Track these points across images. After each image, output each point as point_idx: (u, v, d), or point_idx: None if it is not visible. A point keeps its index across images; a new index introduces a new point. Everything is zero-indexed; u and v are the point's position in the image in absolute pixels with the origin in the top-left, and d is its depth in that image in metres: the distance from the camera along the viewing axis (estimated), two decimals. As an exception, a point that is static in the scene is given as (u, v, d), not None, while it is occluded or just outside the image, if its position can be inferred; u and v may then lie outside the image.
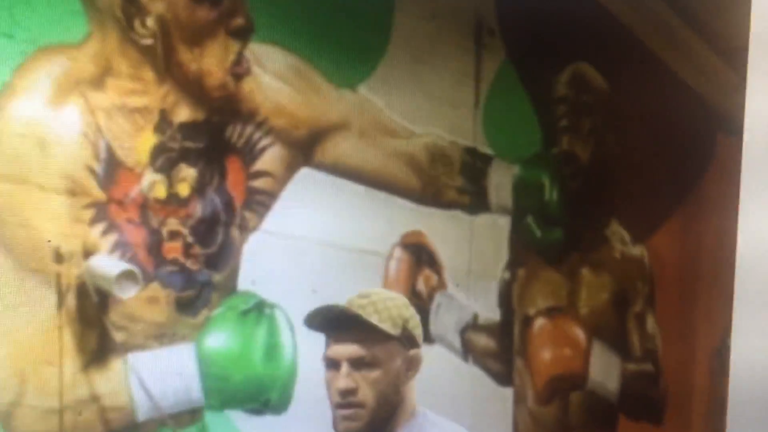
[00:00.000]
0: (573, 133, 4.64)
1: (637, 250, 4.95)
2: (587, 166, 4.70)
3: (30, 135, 3.00)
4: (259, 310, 3.51)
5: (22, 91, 2.98)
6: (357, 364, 1.89)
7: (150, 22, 3.17)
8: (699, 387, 5.20)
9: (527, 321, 4.48)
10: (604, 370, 4.75)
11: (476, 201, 4.25)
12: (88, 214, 3.13)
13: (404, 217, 3.99)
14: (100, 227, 3.16)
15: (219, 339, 3.45)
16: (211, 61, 3.33)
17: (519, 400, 4.46)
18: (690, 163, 5.11)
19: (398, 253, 3.97)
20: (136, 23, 3.15)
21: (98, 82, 3.11)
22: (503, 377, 4.40)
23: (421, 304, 3.95)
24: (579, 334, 4.65)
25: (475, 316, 4.25)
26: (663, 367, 5.06)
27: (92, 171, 3.13)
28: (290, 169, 3.62)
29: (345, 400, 1.90)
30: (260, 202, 3.54)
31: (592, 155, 4.72)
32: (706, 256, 5.14)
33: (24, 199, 3.00)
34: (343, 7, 3.72)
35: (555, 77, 4.56)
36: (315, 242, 3.70)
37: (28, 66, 2.97)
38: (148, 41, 3.19)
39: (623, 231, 4.89)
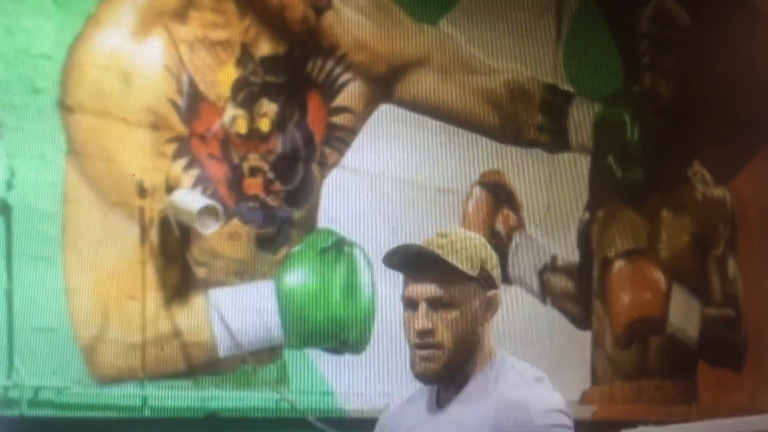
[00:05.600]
0: (655, 70, 4.58)
1: (719, 192, 4.87)
2: (670, 105, 4.64)
3: (113, 67, 3.03)
4: (338, 248, 3.52)
5: (106, 23, 3.00)
6: (435, 304, 1.84)
7: (233, -48, 3.20)
8: (780, 333, 5.12)
9: (606, 263, 4.44)
10: (684, 315, 4.69)
11: (556, 139, 4.22)
12: (171, 148, 3.17)
13: (483, 155, 3.98)
14: (182, 162, 3.19)
15: (298, 277, 3.47)
16: None
17: (597, 343, 4.42)
18: (774, 102, 5.01)
19: (477, 191, 3.96)
20: (220, -46, 3.18)
21: (181, 14, 3.13)
22: (582, 320, 4.37)
23: (500, 244, 3.92)
24: (659, 277, 4.58)
25: (554, 258, 4.23)
26: (744, 312, 4.97)
27: (175, 104, 3.15)
28: (370, 105, 3.62)
29: (423, 340, 1.85)
30: (340, 138, 3.55)
31: (674, 93, 4.65)
32: (790, 197, 5.05)
33: (107, 132, 3.04)
34: (425, -62, 3.71)
35: (638, 12, 4.51)
36: (394, 180, 3.71)
37: None
38: (231, -28, 3.21)
39: (705, 171, 4.82)
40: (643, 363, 4.57)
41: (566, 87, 4.25)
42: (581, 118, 4.30)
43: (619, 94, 4.50)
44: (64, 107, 2.95)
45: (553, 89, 4.20)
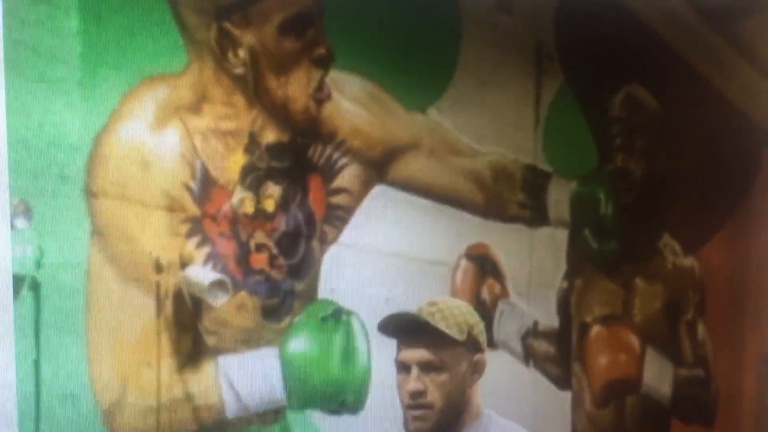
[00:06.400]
0: (627, 151, 4.74)
1: (688, 261, 5.01)
2: (640, 182, 4.80)
3: (134, 156, 3.23)
4: (336, 317, 3.68)
5: (128, 117, 3.21)
6: (426, 367, 1.98)
7: (242, 53, 3.40)
8: (748, 392, 5.21)
9: (584, 328, 4.58)
10: (658, 375, 4.83)
11: (536, 215, 4.38)
12: (185, 228, 3.36)
13: (470, 230, 4.13)
14: (195, 240, 3.38)
15: (300, 344, 3.63)
16: (295, 88, 3.54)
17: (577, 403, 4.56)
18: (737, 180, 5.13)
19: (464, 263, 4.11)
20: (230, 54, 3.38)
21: (195, 107, 3.34)
22: (562, 381, 4.51)
23: (486, 311, 4.09)
24: (633, 340, 4.73)
25: (536, 323, 4.37)
26: (713, 372, 5.10)
27: (189, 189, 3.35)
28: (366, 186, 3.80)
29: (415, 401, 1.99)
30: (338, 216, 3.73)
31: (644, 172, 4.80)
32: (754, 266, 5.16)
33: (127, 214, 3.23)
34: (414, 36, 3.90)
35: (610, 99, 4.68)
36: (388, 254, 3.87)
37: (134, 94, 3.21)
38: (240, 70, 3.41)
39: (675, 243, 4.96)
40: (621, 421, 4.69)
41: (545, 167, 4.41)
42: (559, 195, 4.46)
43: (593, 173, 4.65)
44: (89, 193, 3.12)
45: (533, 169, 4.36)
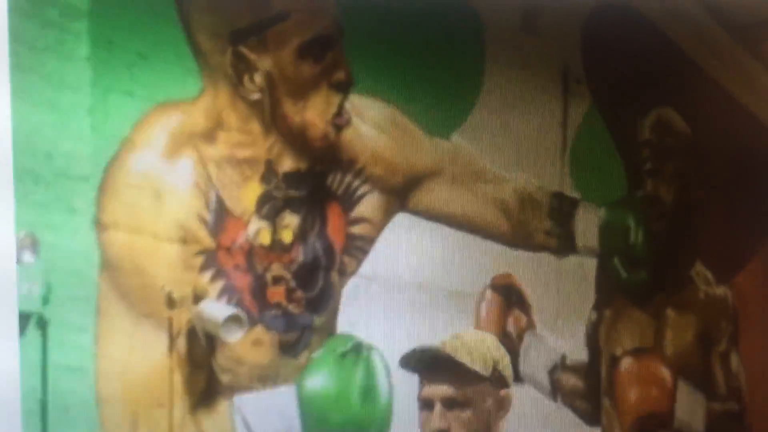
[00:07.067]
0: (657, 176, 4.69)
1: (721, 291, 4.95)
2: (671, 209, 4.73)
3: (146, 186, 3.14)
4: (356, 352, 3.59)
5: (140, 145, 3.13)
6: (450, 404, 1.91)
7: (258, 78, 3.32)
8: (784, 425, 5.16)
9: (614, 361, 4.50)
10: (690, 410, 4.74)
11: (564, 243, 4.30)
12: (198, 260, 3.26)
13: (495, 259, 4.06)
14: (209, 273, 3.28)
15: (319, 381, 3.54)
16: (313, 113, 3.46)
17: (607, 439, 4.47)
18: (771, 205, 5.12)
19: (489, 294, 4.03)
20: (246, 79, 3.30)
21: (210, 135, 3.26)
22: (591, 417, 4.41)
23: (511, 344, 4.00)
24: (665, 373, 4.65)
25: (564, 357, 4.29)
26: (748, 405, 5.04)
27: (203, 220, 3.26)
28: (387, 214, 3.72)
29: None
30: (358, 247, 3.65)
31: (675, 198, 4.75)
32: (789, 295, 5.14)
33: (139, 247, 3.14)
34: (437, 59, 3.84)
35: (639, 122, 4.62)
36: (410, 285, 3.78)
37: (146, 121, 3.13)
38: (256, 96, 3.33)
39: (707, 272, 4.89)
40: (652, 458, 4.61)
41: (572, 194, 4.34)
42: (587, 223, 4.38)
43: (623, 200, 4.58)
44: (99, 225, 3.04)
45: (560, 196, 4.29)
